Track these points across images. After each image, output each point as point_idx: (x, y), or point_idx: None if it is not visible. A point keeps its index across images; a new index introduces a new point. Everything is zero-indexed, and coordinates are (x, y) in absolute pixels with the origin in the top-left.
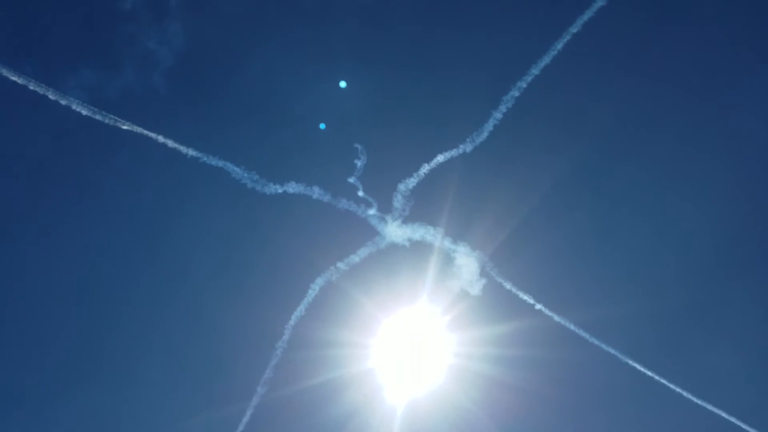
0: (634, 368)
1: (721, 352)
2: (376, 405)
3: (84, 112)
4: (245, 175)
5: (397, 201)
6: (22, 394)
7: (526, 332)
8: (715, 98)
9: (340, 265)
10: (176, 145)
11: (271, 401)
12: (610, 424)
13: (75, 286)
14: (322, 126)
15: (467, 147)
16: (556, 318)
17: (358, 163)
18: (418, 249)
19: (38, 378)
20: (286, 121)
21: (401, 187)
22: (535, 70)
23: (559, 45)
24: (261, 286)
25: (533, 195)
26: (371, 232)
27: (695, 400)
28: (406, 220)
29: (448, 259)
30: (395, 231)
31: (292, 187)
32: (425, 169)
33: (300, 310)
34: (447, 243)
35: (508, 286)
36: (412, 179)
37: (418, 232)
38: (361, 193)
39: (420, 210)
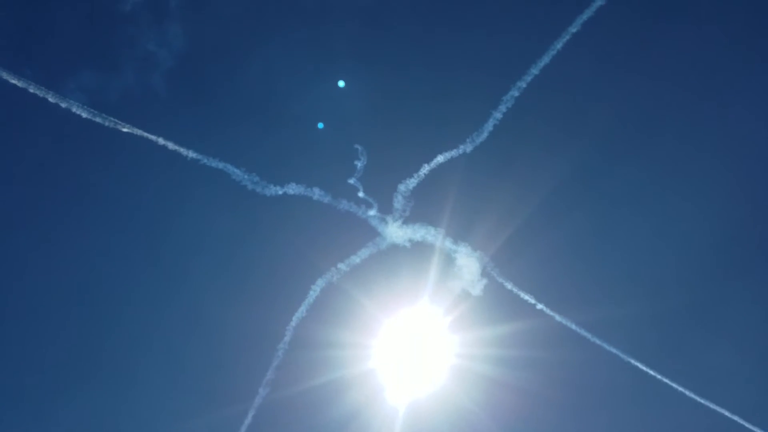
0: (636, 368)
1: (723, 350)
2: (377, 406)
3: (84, 115)
4: (246, 176)
5: (398, 202)
6: (22, 394)
7: (527, 332)
8: (715, 98)
9: (341, 266)
10: (176, 147)
11: (273, 402)
12: (612, 424)
13: (77, 288)
14: (320, 125)
15: (467, 147)
16: (558, 318)
17: (359, 164)
18: (419, 250)
19: (38, 378)
20: (286, 123)
21: (401, 187)
22: (534, 70)
23: (559, 45)
24: (262, 288)
25: (534, 195)
26: (372, 233)
27: (698, 399)
28: (407, 221)
29: (449, 260)
30: (396, 232)
31: (293, 189)
32: (425, 169)
33: (301, 311)
34: (448, 243)
35: (509, 286)
36: (412, 180)
37: (418, 232)
38: (361, 194)
39: (420, 210)
